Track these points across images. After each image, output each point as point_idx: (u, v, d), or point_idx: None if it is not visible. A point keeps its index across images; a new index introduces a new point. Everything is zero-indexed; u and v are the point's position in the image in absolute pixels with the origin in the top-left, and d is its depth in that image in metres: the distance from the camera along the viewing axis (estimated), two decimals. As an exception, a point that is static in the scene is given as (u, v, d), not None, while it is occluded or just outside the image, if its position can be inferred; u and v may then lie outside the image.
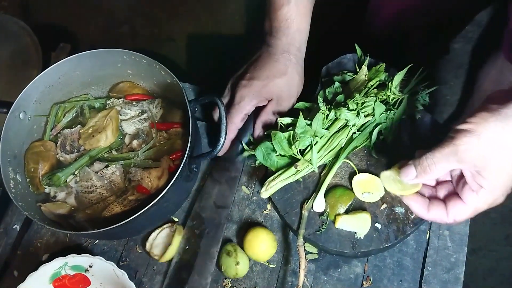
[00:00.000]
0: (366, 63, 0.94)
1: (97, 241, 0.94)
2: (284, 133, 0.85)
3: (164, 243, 0.88)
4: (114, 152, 0.94)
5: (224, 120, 0.80)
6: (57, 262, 0.84)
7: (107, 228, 0.77)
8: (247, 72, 0.90)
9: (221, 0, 2.09)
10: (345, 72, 0.94)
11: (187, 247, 0.88)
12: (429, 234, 0.87)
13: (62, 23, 2.06)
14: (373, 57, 0.96)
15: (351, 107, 0.84)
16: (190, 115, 0.83)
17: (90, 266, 0.85)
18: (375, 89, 0.89)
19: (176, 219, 0.94)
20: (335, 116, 0.85)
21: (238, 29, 2.02)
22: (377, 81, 0.90)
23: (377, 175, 0.87)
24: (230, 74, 0.96)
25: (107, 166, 0.92)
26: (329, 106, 0.86)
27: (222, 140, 0.79)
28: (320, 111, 0.85)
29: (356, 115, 0.84)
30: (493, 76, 1.35)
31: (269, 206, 0.93)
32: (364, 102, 0.84)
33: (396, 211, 0.84)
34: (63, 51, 1.13)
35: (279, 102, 0.90)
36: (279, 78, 0.88)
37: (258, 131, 0.91)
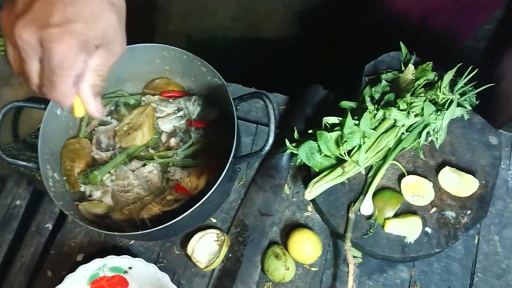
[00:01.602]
0: (412, 61, 0.91)
1: (132, 241, 0.91)
2: (330, 133, 0.82)
3: (208, 250, 0.85)
4: (151, 151, 0.92)
5: (273, 119, 0.77)
6: (96, 263, 0.82)
7: (151, 230, 0.75)
8: (52, 9, 0.52)
9: (237, -4, 2.06)
10: (390, 70, 0.92)
11: (230, 254, 0.86)
12: (478, 238, 0.85)
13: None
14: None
15: (401, 107, 0.81)
16: (235, 114, 0.80)
17: (130, 268, 0.83)
18: (423, 88, 0.86)
19: (214, 220, 0.91)
20: (383, 116, 0.83)
21: (255, 25, 1.99)
22: (425, 80, 0.87)
23: (426, 177, 0.84)
24: (248, 69, 0.90)
25: (144, 165, 0.90)
26: (376, 105, 0.84)
27: (271, 140, 0.77)
28: (368, 110, 0.82)
29: (406, 115, 0.81)
30: (510, 75, 1.31)
31: (309, 208, 0.91)
32: (413, 102, 0.81)
33: (447, 215, 0.81)
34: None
35: (110, 49, 0.58)
36: (110, 13, 0.56)
37: (93, 103, 0.60)
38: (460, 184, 0.81)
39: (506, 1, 1.17)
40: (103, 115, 0.62)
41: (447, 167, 0.83)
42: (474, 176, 0.83)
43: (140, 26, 2.05)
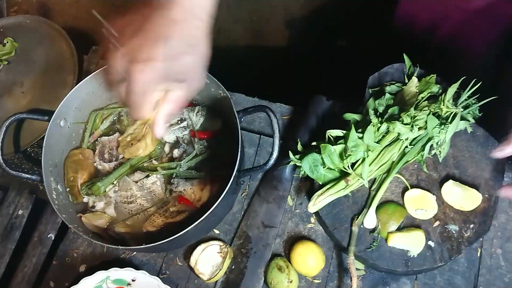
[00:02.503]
0: (416, 73, 0.91)
1: (135, 252, 0.91)
2: (334, 147, 0.82)
3: (211, 262, 0.85)
4: (154, 162, 0.92)
5: (277, 133, 0.77)
6: (99, 275, 0.82)
7: (154, 244, 0.75)
8: (141, 47, 0.61)
9: (239, 1, 2.06)
10: (394, 82, 0.92)
11: (233, 266, 0.86)
12: (481, 252, 0.85)
13: (78, 24, 2.03)
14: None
15: (405, 121, 0.81)
16: (239, 127, 0.80)
17: (133, 280, 0.83)
18: (426, 101, 0.86)
19: (217, 232, 0.91)
20: (387, 129, 0.83)
21: (257, 29, 1.99)
22: (429, 93, 0.87)
23: (429, 191, 0.84)
24: (249, 75, 0.90)
25: (147, 176, 0.89)
26: (380, 118, 0.84)
27: (275, 154, 0.77)
28: (372, 123, 0.82)
29: (410, 129, 0.81)
30: None
31: (312, 220, 0.91)
32: (417, 115, 0.81)
33: (450, 229, 0.81)
34: (95, 55, 1.09)
35: (187, 84, 0.66)
36: (189, 55, 0.62)
37: (160, 127, 0.67)
38: (463, 198, 0.82)
39: None
40: (160, 136, 0.71)
41: (451, 181, 0.83)
42: (478, 190, 0.83)
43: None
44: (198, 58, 0.64)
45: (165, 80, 0.62)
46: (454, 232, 0.81)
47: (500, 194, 0.76)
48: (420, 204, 0.83)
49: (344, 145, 0.82)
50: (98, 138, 0.93)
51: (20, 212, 0.97)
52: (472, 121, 0.88)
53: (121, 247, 0.75)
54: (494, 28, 1.13)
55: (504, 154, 0.71)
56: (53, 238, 0.94)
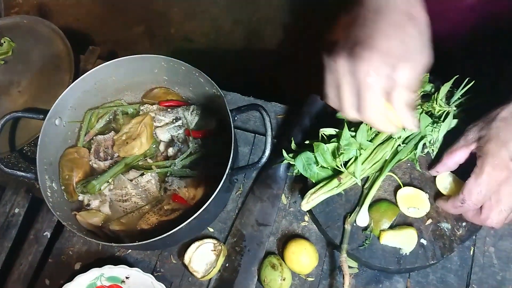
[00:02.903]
0: (409, 73, 0.91)
1: (129, 250, 0.92)
2: (327, 145, 0.82)
3: (205, 260, 0.85)
4: (149, 160, 0.92)
5: (269, 132, 0.78)
6: (93, 273, 0.82)
7: (148, 241, 0.75)
8: (357, 32, 0.58)
9: (238, 1, 2.07)
10: (387, 81, 0.92)
11: (227, 264, 0.87)
12: (474, 250, 0.85)
13: (79, 25, 2.05)
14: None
15: (398, 120, 0.81)
16: (232, 126, 0.81)
17: (127, 278, 0.83)
18: (419, 100, 0.87)
19: (212, 230, 0.91)
20: (380, 127, 0.83)
21: (256, 30, 2.00)
22: (422, 92, 0.88)
23: (422, 189, 0.85)
24: (246, 75, 0.91)
25: (142, 174, 0.90)
26: (373, 117, 0.84)
27: (267, 152, 0.77)
28: (364, 122, 0.83)
29: (403, 129, 0.81)
30: None
31: (306, 218, 0.91)
32: (411, 114, 0.82)
33: (442, 227, 0.82)
34: (92, 54, 1.10)
35: (413, 61, 0.59)
36: (410, 26, 0.58)
37: (408, 116, 0.61)
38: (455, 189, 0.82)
39: None
40: (418, 128, 0.63)
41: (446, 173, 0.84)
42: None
43: (142, 29, 2.06)
44: (419, 28, 0.58)
45: (388, 60, 0.56)
46: (446, 230, 0.81)
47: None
48: (413, 202, 0.83)
49: (337, 143, 0.82)
50: (94, 137, 0.94)
51: (17, 210, 0.97)
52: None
53: (115, 245, 0.76)
54: (488, 25, 1.13)
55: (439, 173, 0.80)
56: (49, 236, 0.95)
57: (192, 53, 1.98)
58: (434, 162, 0.84)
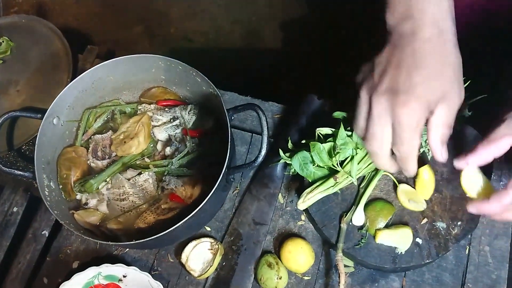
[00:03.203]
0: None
1: (127, 249, 0.92)
2: (323, 144, 0.83)
3: (202, 259, 0.86)
4: (146, 159, 0.93)
5: (265, 131, 0.78)
6: (91, 271, 0.83)
7: (145, 240, 0.76)
8: (400, 79, 0.61)
9: (238, 1, 2.07)
10: (384, 81, 0.92)
11: (224, 263, 0.87)
12: (469, 249, 0.86)
13: (78, 24, 2.05)
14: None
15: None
16: (228, 125, 0.81)
17: (124, 276, 0.84)
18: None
19: (209, 229, 0.92)
20: (376, 127, 0.83)
21: (255, 29, 2.00)
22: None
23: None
24: (245, 74, 0.91)
25: (139, 174, 0.91)
26: (369, 117, 0.84)
27: (263, 152, 0.78)
28: (361, 122, 0.83)
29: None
30: None
31: (303, 217, 0.92)
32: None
33: (438, 226, 0.82)
34: (91, 54, 1.11)
35: (449, 102, 0.61)
36: (446, 72, 0.61)
37: (440, 151, 0.63)
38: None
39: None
40: (445, 160, 0.65)
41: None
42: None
43: (141, 29, 2.06)
44: (454, 72, 0.61)
45: (428, 107, 0.60)
46: (441, 229, 0.82)
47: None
48: (412, 197, 0.83)
49: (333, 143, 0.83)
50: (92, 136, 0.95)
51: (15, 209, 0.98)
52: (461, 119, 0.88)
53: (112, 243, 0.76)
54: (487, 25, 1.13)
55: (469, 165, 0.67)
56: (47, 235, 0.95)
57: (192, 52, 1.98)
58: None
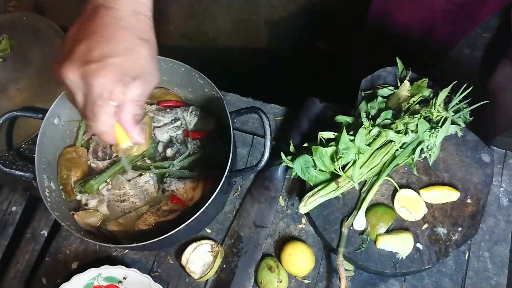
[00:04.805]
0: (408, 77, 0.92)
1: (127, 251, 0.92)
2: (326, 148, 0.83)
3: (202, 261, 0.86)
4: (147, 161, 0.92)
5: (268, 135, 0.78)
6: (91, 273, 0.83)
7: (147, 243, 0.75)
8: (90, 48, 0.59)
9: (238, 0, 2.06)
10: (386, 85, 0.92)
11: (224, 265, 0.87)
12: (469, 255, 0.86)
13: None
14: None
15: (399, 128, 0.82)
16: (231, 128, 0.81)
17: (124, 278, 0.83)
18: (417, 105, 0.87)
19: (209, 231, 0.92)
20: (378, 132, 0.83)
21: (255, 29, 2.00)
22: (420, 97, 0.88)
23: (419, 193, 0.85)
24: (245, 75, 0.90)
25: (140, 175, 0.90)
26: (372, 121, 0.84)
27: (266, 156, 0.77)
28: (363, 126, 0.83)
29: (403, 135, 0.82)
30: (501, 84, 1.31)
31: (303, 220, 0.92)
32: (410, 122, 0.82)
33: (438, 232, 0.82)
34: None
35: (145, 79, 0.62)
36: (143, 48, 0.61)
37: (134, 130, 0.63)
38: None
39: (500, 11, 1.18)
40: (144, 140, 0.65)
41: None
42: (467, 194, 0.84)
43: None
44: (150, 51, 0.62)
45: (121, 78, 0.59)
46: (442, 235, 0.82)
47: None
48: (410, 205, 0.84)
49: (335, 147, 0.83)
50: (92, 136, 0.94)
51: (14, 208, 0.98)
52: (463, 125, 0.89)
53: (112, 245, 0.76)
54: (473, 26, 1.14)
55: None
56: (46, 235, 0.95)
57: (191, 51, 1.98)
58: (462, 158, 0.81)
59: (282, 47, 1.89)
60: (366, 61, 1.08)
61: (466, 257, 0.86)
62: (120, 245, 0.79)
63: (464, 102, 0.89)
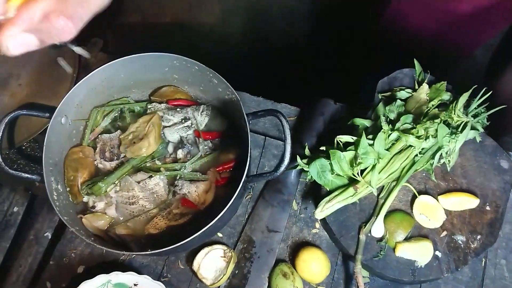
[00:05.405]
0: (426, 80, 0.90)
1: (135, 255, 0.89)
2: (344, 153, 0.81)
3: (214, 266, 0.83)
4: (157, 162, 0.89)
5: (289, 139, 0.75)
6: (100, 279, 0.80)
7: (161, 250, 0.73)
8: None
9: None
10: (403, 88, 0.90)
11: (236, 271, 0.85)
12: (485, 262, 0.85)
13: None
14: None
15: (420, 133, 0.80)
16: (248, 131, 0.78)
17: (135, 285, 0.81)
18: (437, 109, 0.85)
19: (221, 235, 0.89)
20: (397, 136, 0.81)
21: (251, 21, 1.96)
22: (439, 101, 0.86)
23: (437, 200, 0.84)
24: (253, 73, 0.87)
25: (150, 177, 0.87)
26: (391, 125, 0.82)
27: (286, 161, 0.75)
28: (382, 130, 0.81)
29: (424, 140, 0.80)
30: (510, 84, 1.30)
31: (317, 225, 0.90)
32: (430, 127, 0.80)
33: (457, 239, 0.81)
34: (95, 47, 1.06)
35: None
36: None
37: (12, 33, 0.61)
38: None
39: None
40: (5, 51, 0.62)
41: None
42: (485, 200, 0.83)
43: (138, 19, 1.99)
44: None
45: None
46: (461, 242, 0.81)
47: None
48: (429, 212, 0.82)
49: (354, 151, 0.80)
50: (99, 136, 0.90)
51: (15, 209, 0.94)
52: (481, 130, 0.87)
53: (126, 253, 0.73)
54: (485, 31, 1.13)
55: None
56: (49, 237, 0.91)
57: (195, 47, 1.93)
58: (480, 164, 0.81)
59: (289, 46, 1.85)
60: (379, 61, 1.06)
61: (483, 265, 0.85)
62: (133, 253, 0.76)
63: (482, 106, 0.88)
